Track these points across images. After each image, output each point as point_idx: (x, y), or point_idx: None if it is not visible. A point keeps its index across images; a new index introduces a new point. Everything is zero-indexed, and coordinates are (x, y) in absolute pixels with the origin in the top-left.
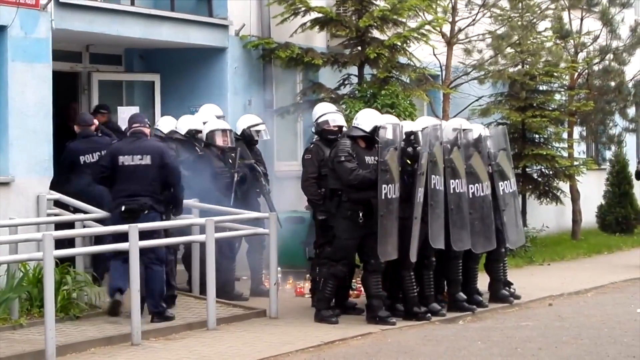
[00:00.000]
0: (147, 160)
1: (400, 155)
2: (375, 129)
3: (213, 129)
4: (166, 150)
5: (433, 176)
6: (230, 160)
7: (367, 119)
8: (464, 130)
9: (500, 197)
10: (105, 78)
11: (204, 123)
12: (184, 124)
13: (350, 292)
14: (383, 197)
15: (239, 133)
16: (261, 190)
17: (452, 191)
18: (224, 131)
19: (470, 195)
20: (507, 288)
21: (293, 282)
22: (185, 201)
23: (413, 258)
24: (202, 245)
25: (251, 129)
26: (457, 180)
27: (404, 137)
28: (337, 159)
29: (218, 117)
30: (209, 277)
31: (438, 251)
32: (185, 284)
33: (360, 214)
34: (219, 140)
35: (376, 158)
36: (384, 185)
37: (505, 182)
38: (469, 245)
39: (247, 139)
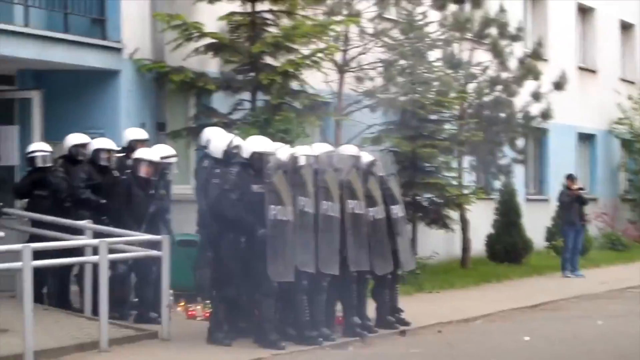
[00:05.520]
0: None
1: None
2: (253, 156)
3: (140, 158)
4: None
5: (324, 202)
6: (151, 191)
7: (247, 146)
8: (357, 156)
9: (394, 220)
10: None
11: (128, 148)
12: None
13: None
14: (272, 217)
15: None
16: (163, 219)
17: (350, 211)
18: (150, 162)
19: (372, 219)
20: (396, 314)
21: (184, 305)
22: (79, 222)
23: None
24: (95, 265)
25: (164, 159)
26: (355, 202)
27: (294, 162)
28: (222, 188)
29: (141, 141)
30: (102, 297)
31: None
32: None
33: (242, 239)
34: (143, 171)
35: (262, 186)
36: (271, 206)
37: (397, 206)
38: (366, 266)
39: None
